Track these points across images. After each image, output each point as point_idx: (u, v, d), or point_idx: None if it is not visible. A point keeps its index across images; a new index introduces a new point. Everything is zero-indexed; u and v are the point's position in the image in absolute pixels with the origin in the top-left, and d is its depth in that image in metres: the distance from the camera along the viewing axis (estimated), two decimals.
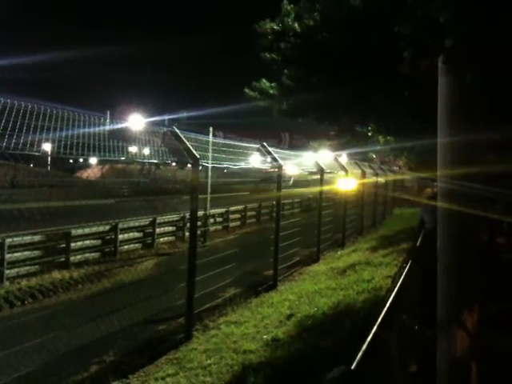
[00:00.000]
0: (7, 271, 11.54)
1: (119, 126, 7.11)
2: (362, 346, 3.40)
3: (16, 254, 11.91)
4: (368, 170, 19.99)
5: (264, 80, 12.04)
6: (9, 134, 5.13)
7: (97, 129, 6.47)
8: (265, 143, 11.00)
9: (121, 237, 15.34)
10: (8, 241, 11.78)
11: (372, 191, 20.95)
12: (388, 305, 4.28)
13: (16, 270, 11.80)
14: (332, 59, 9.13)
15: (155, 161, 7.90)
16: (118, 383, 5.73)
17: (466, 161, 3.96)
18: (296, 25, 10.24)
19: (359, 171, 18.62)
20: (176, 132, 7.41)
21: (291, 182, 25.26)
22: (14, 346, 6.48)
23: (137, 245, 16.10)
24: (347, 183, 16.45)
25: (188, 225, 14.07)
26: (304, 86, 10.80)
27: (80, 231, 14.08)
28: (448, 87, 4.09)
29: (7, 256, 11.63)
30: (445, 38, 3.93)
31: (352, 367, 2.89)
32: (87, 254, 13.92)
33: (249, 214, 23.73)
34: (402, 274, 5.48)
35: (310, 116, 12.52)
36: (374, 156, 28.96)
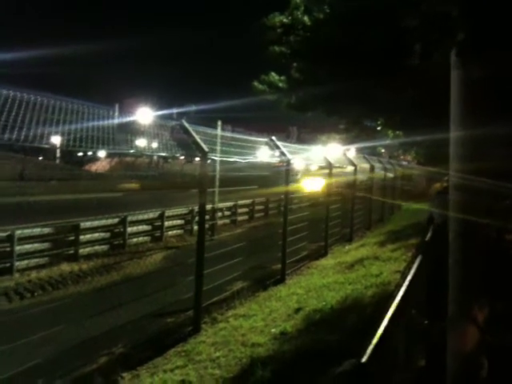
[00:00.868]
0: (17, 263, 11.65)
1: (128, 119, 7.13)
2: (370, 340, 3.40)
3: (26, 246, 12.02)
4: (377, 165, 19.91)
5: (273, 73, 12.02)
6: (18, 127, 5.15)
7: (106, 122, 6.48)
8: (273, 137, 10.99)
9: (129, 230, 15.41)
10: (18, 233, 11.87)
11: (380, 186, 20.87)
12: (397, 299, 4.28)
13: (26, 262, 11.91)
14: (339, 52, 9.10)
15: (164, 154, 7.92)
16: (128, 375, 5.77)
17: (478, 155, 3.93)
18: (305, 18, 10.20)
19: (368, 165, 18.56)
20: (185, 125, 7.41)
21: (299, 176, 25.19)
22: (23, 338, 6.52)
23: (145, 238, 16.17)
24: (355, 177, 16.41)
25: (196, 218, 14.10)
26: (312, 79, 10.76)
27: (89, 224, 14.18)
28: (460, 81, 4.06)
29: (17, 248, 11.73)
30: (452, 32, 3.90)
31: (362, 361, 2.89)
32: (96, 247, 14.02)
33: (257, 208, 23.75)
34: (411, 269, 5.47)
35: (318, 109, 12.49)
36: (383, 150, 28.83)
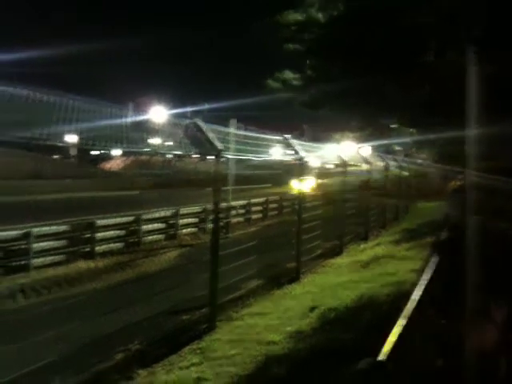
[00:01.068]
0: (34, 260, 11.78)
1: (142, 117, 7.17)
2: (386, 338, 3.38)
3: (42, 244, 12.16)
4: (391, 163, 19.80)
5: (287, 71, 12.01)
6: (33, 125, 5.20)
7: (120, 121, 6.52)
8: (287, 135, 10.97)
9: (144, 228, 15.52)
10: (34, 231, 12.01)
11: (395, 184, 20.75)
12: (413, 298, 4.25)
13: (42, 259, 12.04)
14: (353, 49, 9.06)
15: (178, 152, 7.94)
16: (143, 372, 5.80)
17: (496, 154, 3.89)
18: (320, 15, 10.17)
19: (383, 164, 18.45)
20: (199, 124, 7.43)
21: (313, 175, 25.13)
22: (39, 335, 6.59)
23: (160, 236, 16.27)
24: (370, 176, 16.34)
25: (210, 217, 14.13)
26: (326, 77, 10.73)
27: (104, 222, 14.30)
28: (477, 79, 4.02)
29: (34, 246, 11.86)
30: (470, 28, 3.87)
31: (379, 359, 2.88)
32: (111, 245, 14.13)
33: (271, 206, 23.73)
34: (427, 268, 5.43)
35: (331, 107, 12.46)
36: (398, 148, 28.66)
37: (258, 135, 9.99)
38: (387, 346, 3.07)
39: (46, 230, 12.48)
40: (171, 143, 7.60)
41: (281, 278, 10.11)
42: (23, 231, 11.87)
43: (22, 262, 11.58)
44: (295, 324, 7.02)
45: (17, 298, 9.94)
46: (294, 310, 7.89)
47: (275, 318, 7.40)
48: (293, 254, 10.35)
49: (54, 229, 12.78)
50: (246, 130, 9.89)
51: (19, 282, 10.72)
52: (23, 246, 11.72)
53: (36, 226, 12.33)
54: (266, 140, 10.15)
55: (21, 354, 6.06)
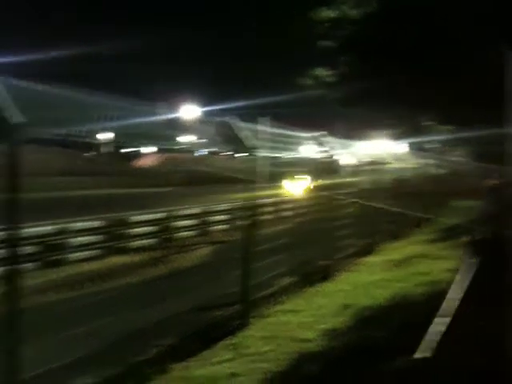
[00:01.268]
0: (69, 255, 12.05)
1: (174, 115, 7.25)
2: (420, 337, 3.34)
3: (77, 239, 12.42)
4: (426, 161, 19.49)
5: (319, 68, 11.94)
6: (69, 123, 5.30)
7: (154, 118, 6.61)
8: (319, 133, 10.92)
9: (177, 224, 15.70)
10: (69, 226, 12.29)
11: (430, 182, 20.41)
12: (449, 297, 4.19)
13: (77, 254, 12.30)
14: (387, 45, 8.97)
15: (210, 150, 8.01)
16: (177, 366, 5.85)
17: None
18: (353, 12, 10.09)
19: (418, 161, 18.18)
20: (230, 122, 7.47)
21: (346, 172, 24.90)
22: (74, 329, 6.71)
23: (192, 232, 16.42)
24: (404, 173, 16.13)
25: (242, 213, 14.15)
26: (359, 74, 10.64)
27: (138, 218, 14.53)
28: None
29: (69, 241, 12.14)
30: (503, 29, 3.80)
31: (415, 357, 2.86)
32: (144, 240, 14.33)
33: (301, 204, 23.61)
34: (463, 268, 5.35)
35: (364, 104, 12.34)
36: (431, 146, 28.16)
37: (289, 133, 9.97)
38: (424, 345, 3.04)
39: (80, 225, 12.75)
40: (204, 141, 7.67)
41: (313, 275, 10.07)
42: (59, 226, 12.16)
43: (58, 257, 11.86)
44: (329, 322, 7.01)
45: (60, 290, 10.07)
46: (327, 307, 7.87)
47: (308, 316, 7.39)
48: (325, 252, 10.32)
49: (88, 224, 13.05)
50: (278, 127, 9.89)
51: (54, 277, 10.93)
52: (59, 241, 12.00)
53: (71, 222, 12.60)
54: (298, 137, 10.13)
55: (56, 348, 6.19)
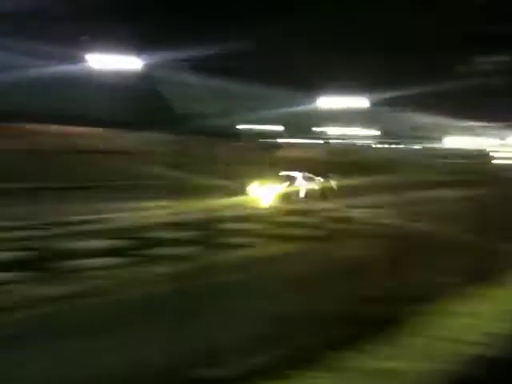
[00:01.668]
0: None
1: (341, 106, 7.23)
2: None
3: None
4: None
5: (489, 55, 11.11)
6: (228, 115, 5.54)
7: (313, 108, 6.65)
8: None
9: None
10: None
11: None
12: None
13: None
14: None
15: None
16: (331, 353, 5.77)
17: None
18: None
19: None
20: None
21: None
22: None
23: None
24: None
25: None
26: None
27: None
28: None
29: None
30: None
31: None
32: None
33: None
34: None
35: None
36: None
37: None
38: None
39: None
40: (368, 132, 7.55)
41: (477, 277, 9.41)
42: None
43: None
44: (497, 327, 6.58)
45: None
46: (494, 312, 7.40)
47: (476, 319, 7.02)
48: (493, 253, 9.62)
49: None
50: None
51: None
52: None
53: None
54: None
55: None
